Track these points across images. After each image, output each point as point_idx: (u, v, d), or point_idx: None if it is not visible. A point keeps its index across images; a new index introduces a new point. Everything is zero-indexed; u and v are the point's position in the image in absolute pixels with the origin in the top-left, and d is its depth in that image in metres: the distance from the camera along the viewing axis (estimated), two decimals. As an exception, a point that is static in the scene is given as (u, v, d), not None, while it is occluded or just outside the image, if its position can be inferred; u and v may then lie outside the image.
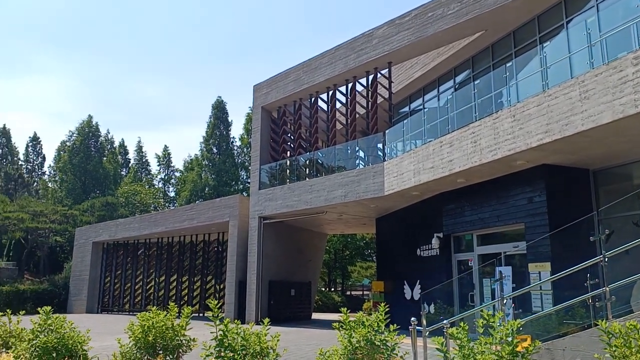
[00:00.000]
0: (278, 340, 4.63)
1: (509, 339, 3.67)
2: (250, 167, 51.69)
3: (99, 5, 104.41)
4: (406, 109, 21.62)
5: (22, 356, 5.66)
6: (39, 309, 6.03)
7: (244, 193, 50.55)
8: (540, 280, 12.01)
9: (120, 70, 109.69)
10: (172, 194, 61.19)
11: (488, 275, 14.80)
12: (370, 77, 20.28)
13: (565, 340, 7.16)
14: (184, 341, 5.40)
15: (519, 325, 3.79)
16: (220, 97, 54.47)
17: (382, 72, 20.11)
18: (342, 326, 4.60)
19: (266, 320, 4.82)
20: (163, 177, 61.85)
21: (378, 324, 4.50)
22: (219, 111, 53.76)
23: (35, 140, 68.45)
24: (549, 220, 12.47)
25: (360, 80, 20.77)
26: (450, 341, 4.60)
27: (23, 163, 66.80)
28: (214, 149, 53.01)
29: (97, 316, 28.07)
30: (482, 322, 3.80)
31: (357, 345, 4.41)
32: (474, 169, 13.52)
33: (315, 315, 28.96)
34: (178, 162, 68.25)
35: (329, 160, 21.52)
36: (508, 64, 14.49)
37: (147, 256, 31.06)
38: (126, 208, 47.70)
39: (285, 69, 23.02)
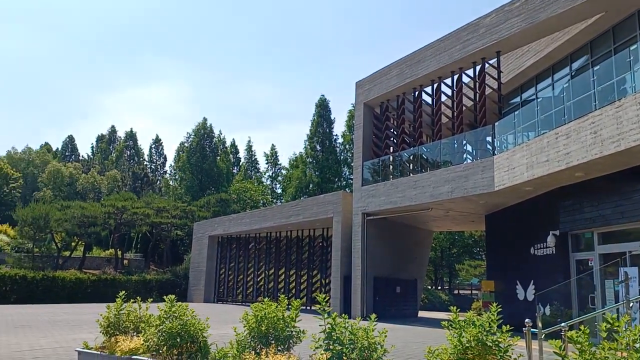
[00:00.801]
0: (386, 336, 4.64)
1: (637, 345, 3.37)
2: (352, 164, 52.36)
3: (204, 14, 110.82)
4: (517, 99, 20.52)
5: (150, 340, 6.22)
6: (164, 297, 6.57)
7: (347, 189, 51.04)
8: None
9: (229, 74, 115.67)
10: (279, 191, 63.48)
11: (611, 276, 13.64)
12: (478, 67, 19.50)
13: None
14: (294, 332, 5.60)
15: (649, 331, 3.46)
16: (323, 95, 55.54)
17: (490, 62, 19.25)
18: (451, 325, 4.51)
19: (373, 315, 4.86)
20: (270, 174, 64.34)
21: (490, 324, 4.35)
22: (322, 109, 54.73)
23: (157, 143, 74.57)
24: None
25: (466, 72, 20.05)
26: (569, 345, 4.32)
27: (147, 163, 73.10)
28: (318, 147, 54.09)
29: (213, 305, 29.91)
30: (605, 326, 3.53)
31: (467, 345, 4.30)
32: (594, 162, 12.49)
33: (422, 314, 28.51)
34: (285, 160, 70.59)
35: (433, 155, 21.04)
36: (632, 47, 13.17)
37: (257, 249, 32.51)
38: (238, 204, 50.29)
39: (388, 64, 22.85)
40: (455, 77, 20.53)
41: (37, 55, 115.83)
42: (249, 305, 26.42)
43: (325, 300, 4.99)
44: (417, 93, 22.08)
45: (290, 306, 5.73)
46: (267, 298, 6.15)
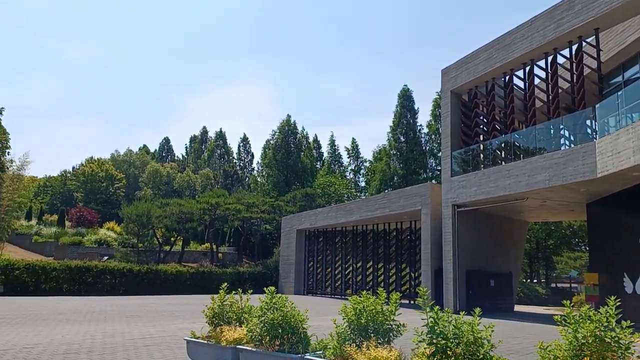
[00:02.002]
0: (492, 331, 4.49)
1: None
2: (439, 154, 51.10)
3: (281, 13, 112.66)
4: (619, 79, 19.01)
5: (253, 330, 6.45)
6: (265, 289, 6.79)
7: (433, 181, 49.92)
8: None
9: (309, 71, 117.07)
10: (362, 184, 63.46)
11: None
12: (574, 47, 18.27)
13: None
14: (394, 326, 5.56)
15: None
16: (406, 85, 54.58)
17: (588, 40, 17.95)
18: (565, 320, 4.27)
19: (477, 310, 4.71)
20: (353, 168, 64.44)
21: (608, 319, 4.06)
22: (405, 100, 53.90)
23: (245, 141, 77.30)
24: None
25: (561, 52, 18.85)
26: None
27: (236, 161, 75.99)
28: (401, 138, 53.36)
29: (304, 297, 30.55)
30: None
31: (583, 341, 4.04)
32: None
33: (518, 308, 27.33)
34: (367, 153, 70.51)
35: (528, 142, 20.02)
36: None
37: (344, 243, 32.72)
38: (323, 198, 50.88)
39: (475, 49, 22.01)
40: (550, 58, 19.36)
41: (134, 64, 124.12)
42: (338, 298, 26.65)
43: (424, 293, 4.91)
44: (507, 77, 21.10)
45: (388, 300, 5.70)
46: (365, 291, 6.17)
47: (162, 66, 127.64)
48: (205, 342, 7.20)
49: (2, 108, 39.56)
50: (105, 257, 36.97)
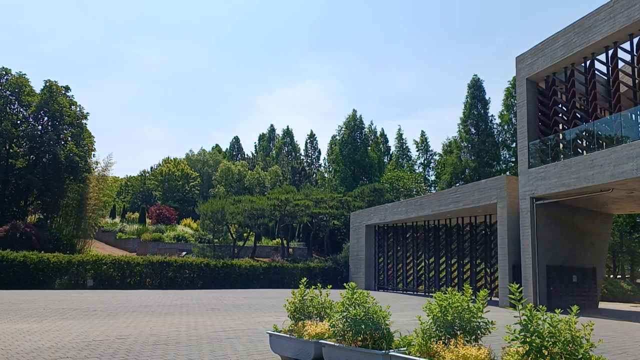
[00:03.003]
0: (592, 330, 4.27)
1: None
2: (513, 145, 49.22)
3: (342, 7, 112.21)
4: None
5: (336, 325, 6.51)
6: (344, 284, 6.83)
7: (507, 173, 48.13)
8: None
9: (372, 65, 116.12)
10: (432, 178, 62.26)
11: None
12: (665, 26, 16.95)
13: None
14: (482, 323, 5.43)
15: None
16: (476, 75, 52.79)
17: (681, 17, 16.59)
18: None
19: (574, 308, 4.49)
20: (422, 161, 63.37)
21: None
22: (475, 90, 52.27)
23: (311, 137, 78.05)
24: None
25: (650, 32, 17.56)
26: None
27: (304, 157, 76.91)
28: (472, 130, 51.83)
29: (375, 293, 30.47)
30: None
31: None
32: None
33: (602, 305, 25.86)
34: (436, 146, 68.95)
35: (612, 130, 18.82)
36: None
37: (415, 238, 32.28)
38: (391, 193, 50.44)
39: (552, 34, 20.94)
40: (635, 40, 18.09)
41: (204, 67, 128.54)
42: (410, 294, 26.37)
43: (517, 290, 4.75)
44: (588, 62, 19.93)
45: (475, 296, 5.56)
46: (450, 288, 6.05)
47: (231, 67, 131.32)
48: (288, 335, 7.34)
49: (87, 113, 42.25)
50: (184, 253, 38.65)
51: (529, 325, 4.48)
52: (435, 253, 30.35)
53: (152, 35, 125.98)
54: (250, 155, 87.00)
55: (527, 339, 4.46)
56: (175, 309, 16.69)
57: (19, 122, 38.99)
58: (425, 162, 63.10)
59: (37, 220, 40.36)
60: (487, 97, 52.44)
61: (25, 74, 39.89)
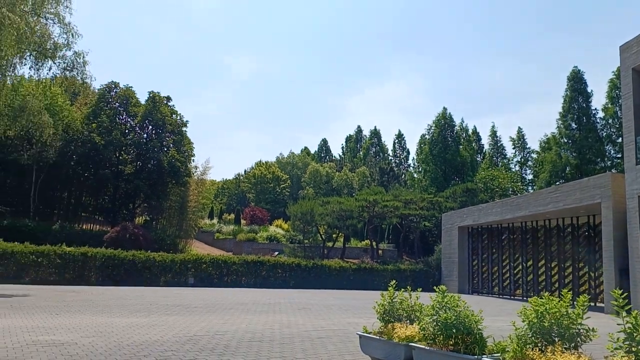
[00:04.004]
0: None
1: None
2: (620, 140, 45.49)
3: (425, 2, 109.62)
4: None
5: (426, 328, 6.45)
6: (435, 287, 6.76)
7: (613, 170, 44.62)
8: None
9: (461, 60, 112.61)
10: (529, 177, 59.23)
11: None
12: None
13: None
14: (582, 330, 5.14)
15: None
16: (576, 66, 49.47)
17: None
18: None
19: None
20: (519, 160, 60.45)
21: None
22: (576, 83, 49.02)
23: (399, 137, 77.33)
24: None
25: None
26: None
27: (392, 158, 76.38)
28: (573, 125, 48.68)
29: (469, 297, 29.53)
30: None
31: None
32: None
33: None
34: (533, 143, 65.32)
35: None
36: None
37: (511, 240, 30.89)
38: (485, 193, 48.66)
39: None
40: None
41: (293, 72, 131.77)
42: (506, 298, 25.29)
43: (593, 295, 4.46)
44: None
45: (573, 302, 5.28)
46: (547, 292, 5.79)
47: (319, 71, 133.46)
48: (378, 337, 7.38)
49: (187, 121, 44.97)
50: (276, 252, 39.92)
51: (635, 334, 4.19)
52: (534, 256, 28.84)
53: (243, 44, 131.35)
54: (337, 156, 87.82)
55: (633, 349, 4.18)
56: (269, 307, 17.30)
57: (126, 131, 42.36)
58: (522, 160, 60.15)
59: (144, 221, 43.61)
60: (589, 90, 49.03)
61: (131, 87, 43.35)
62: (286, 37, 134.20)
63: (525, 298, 28.48)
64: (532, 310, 5.39)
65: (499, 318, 15.16)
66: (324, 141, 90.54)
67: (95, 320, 11.67)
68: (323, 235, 42.55)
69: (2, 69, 22.02)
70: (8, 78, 23.94)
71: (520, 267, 29.79)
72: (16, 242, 27.86)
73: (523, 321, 5.47)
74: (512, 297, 29.88)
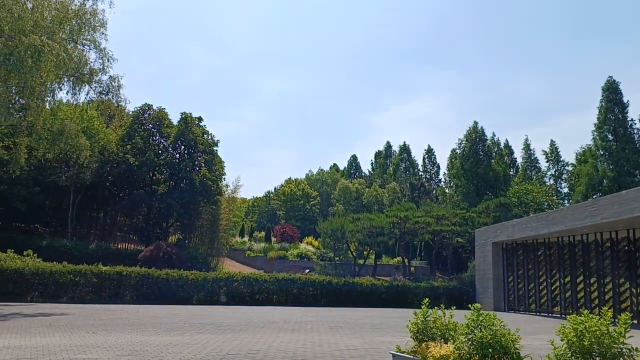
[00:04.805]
0: None
1: None
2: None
3: (455, 15, 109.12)
4: None
5: (461, 348, 6.32)
6: (469, 305, 6.62)
7: (654, 182, 43.15)
8: None
9: (492, 74, 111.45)
10: (565, 190, 57.79)
11: None
12: None
13: None
14: (624, 350, 4.95)
15: None
16: (611, 77, 48.34)
17: None
18: None
19: None
20: (553, 173, 59.14)
21: None
22: (611, 93, 47.88)
23: (429, 152, 76.71)
24: None
25: None
26: None
27: (422, 173, 75.76)
28: (609, 136, 47.44)
29: (505, 314, 28.78)
30: None
31: None
32: None
33: None
34: (568, 156, 64.05)
35: None
36: None
37: (548, 256, 30.05)
38: (519, 208, 47.67)
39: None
40: None
41: (322, 90, 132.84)
42: (544, 316, 24.52)
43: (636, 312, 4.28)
44: None
45: (615, 319, 5.10)
46: (586, 310, 5.61)
47: (347, 88, 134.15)
48: (411, 357, 7.26)
49: (218, 140, 45.75)
50: (307, 270, 39.83)
51: (683, 355, 4.01)
52: (572, 272, 27.96)
53: (273, 64, 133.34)
54: (367, 173, 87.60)
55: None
56: (301, 325, 17.22)
57: (160, 151, 43.33)
58: (557, 173, 58.81)
59: (177, 240, 44.25)
60: (625, 100, 47.79)
61: (164, 108, 44.42)
62: (314, 57, 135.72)
63: (563, 316, 27.56)
64: (571, 329, 5.23)
65: (537, 336, 14.70)
66: (354, 157, 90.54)
67: (130, 339, 11.83)
68: (354, 253, 42.29)
69: (41, 95, 22.91)
70: (47, 103, 24.91)
71: (558, 283, 28.91)
72: (55, 262, 28.61)
73: (562, 340, 5.31)
74: (550, 315, 28.96)
